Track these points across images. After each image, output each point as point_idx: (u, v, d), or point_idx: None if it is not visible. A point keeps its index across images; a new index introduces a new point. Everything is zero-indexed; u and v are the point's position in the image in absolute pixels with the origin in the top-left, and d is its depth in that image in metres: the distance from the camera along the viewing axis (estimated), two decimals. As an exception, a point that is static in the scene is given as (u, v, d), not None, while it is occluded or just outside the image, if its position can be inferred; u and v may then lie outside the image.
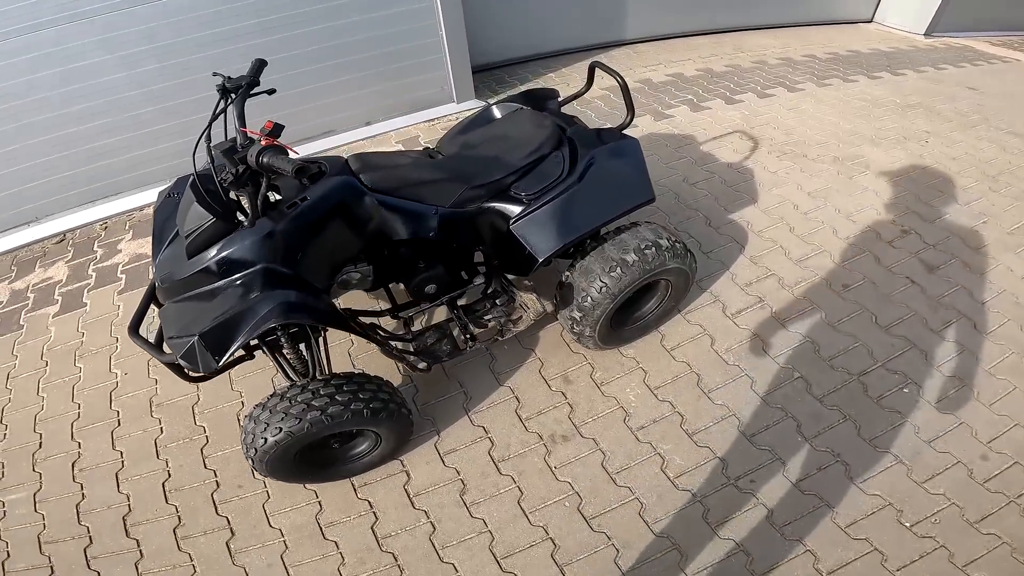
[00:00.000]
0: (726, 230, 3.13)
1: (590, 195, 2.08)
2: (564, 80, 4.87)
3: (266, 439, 1.73)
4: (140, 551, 2.06)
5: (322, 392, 1.79)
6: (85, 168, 3.51)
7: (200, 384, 2.37)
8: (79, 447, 2.38)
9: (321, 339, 2.05)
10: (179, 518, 2.14)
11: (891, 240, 3.06)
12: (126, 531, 2.12)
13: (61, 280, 3.18)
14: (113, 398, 2.54)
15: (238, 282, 1.62)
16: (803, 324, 2.62)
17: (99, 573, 2.01)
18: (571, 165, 2.12)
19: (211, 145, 1.55)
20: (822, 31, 6.28)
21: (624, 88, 2.21)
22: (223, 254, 1.60)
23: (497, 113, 2.48)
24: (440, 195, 2.00)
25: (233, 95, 1.75)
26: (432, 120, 4.21)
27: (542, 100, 2.51)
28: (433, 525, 2.06)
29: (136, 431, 2.41)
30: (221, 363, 1.55)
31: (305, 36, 3.59)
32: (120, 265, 3.24)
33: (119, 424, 2.44)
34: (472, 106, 4.29)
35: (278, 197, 1.73)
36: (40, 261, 3.34)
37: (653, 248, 2.11)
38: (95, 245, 3.42)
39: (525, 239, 2.04)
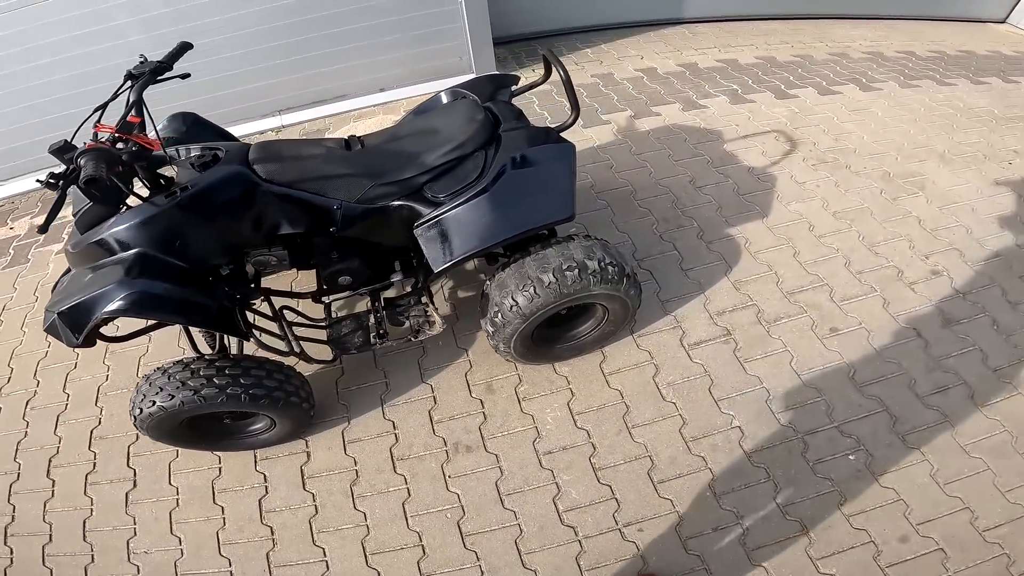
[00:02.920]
0: (718, 246, 2.98)
1: (497, 205, 2.01)
2: (600, 58, 4.69)
3: (142, 409, 1.91)
4: (53, 491, 2.37)
5: (202, 373, 1.91)
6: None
7: (152, 335, 2.53)
8: (37, 386, 2.73)
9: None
10: (94, 464, 2.43)
11: (914, 282, 2.79)
12: (48, 471, 2.43)
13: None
14: (76, 340, 2.87)
15: (115, 263, 1.72)
16: (765, 367, 2.48)
17: (15, 507, 2.34)
18: (489, 168, 2.06)
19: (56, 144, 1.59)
20: (937, 27, 5.65)
21: (567, 83, 2.08)
22: (102, 235, 1.72)
23: (444, 100, 2.45)
24: (345, 190, 2.00)
25: (136, 80, 1.81)
26: (438, 93, 4.18)
27: (495, 88, 2.42)
28: (316, 508, 2.22)
29: (87, 376, 2.72)
30: (81, 340, 1.69)
31: None
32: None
33: (75, 367, 2.76)
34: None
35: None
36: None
37: (576, 270, 2.02)
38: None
39: (424, 246, 2.03)
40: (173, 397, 1.88)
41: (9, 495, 2.38)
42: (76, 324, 1.67)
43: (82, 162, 1.50)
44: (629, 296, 2.21)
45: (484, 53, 4.22)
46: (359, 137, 2.30)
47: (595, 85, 4.26)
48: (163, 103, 1.97)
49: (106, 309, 1.64)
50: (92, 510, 2.31)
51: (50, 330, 1.70)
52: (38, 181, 1.59)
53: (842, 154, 3.59)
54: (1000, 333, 2.57)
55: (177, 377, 1.90)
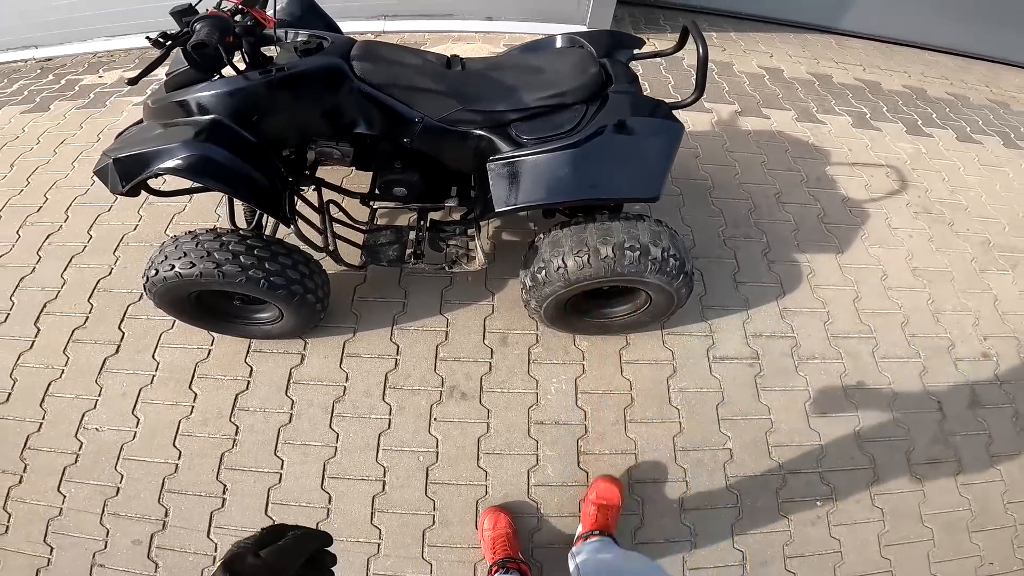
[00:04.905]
0: (779, 268, 2.88)
1: (582, 163, 1.97)
2: (724, 45, 4.49)
3: (157, 271, 1.96)
4: (33, 342, 2.46)
5: (230, 247, 1.95)
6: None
7: (193, 196, 2.70)
8: (65, 220, 2.84)
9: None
10: (87, 319, 2.51)
11: (961, 359, 2.68)
12: (38, 317, 2.53)
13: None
14: (123, 184, 3.01)
15: (188, 124, 1.81)
16: (779, 401, 2.44)
17: (-6, 350, 2.41)
18: (586, 125, 2.02)
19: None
20: None
21: (703, 62, 1.95)
22: (186, 96, 1.82)
23: (558, 43, 2.42)
24: (431, 106, 2.03)
25: None
26: (554, 35, 4.14)
27: (616, 46, 2.35)
28: (291, 418, 2.28)
29: (116, 221, 2.82)
30: (126, 190, 1.78)
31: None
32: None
33: (109, 210, 2.85)
34: (603, 34, 4.17)
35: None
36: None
37: (638, 252, 2.00)
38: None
39: (492, 183, 2.02)
40: (194, 265, 1.92)
41: (-4, 334, 2.45)
42: (128, 173, 1.76)
43: (197, 27, 1.59)
44: (679, 293, 2.18)
45: (605, 6, 4.06)
46: (462, 58, 2.30)
47: (708, 70, 4.10)
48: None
49: (163, 165, 1.72)
50: (63, 371, 2.36)
51: (99, 173, 1.80)
52: (147, 38, 1.67)
53: (950, 208, 3.38)
54: (1016, 425, 2.52)
55: (205, 246, 1.94)
